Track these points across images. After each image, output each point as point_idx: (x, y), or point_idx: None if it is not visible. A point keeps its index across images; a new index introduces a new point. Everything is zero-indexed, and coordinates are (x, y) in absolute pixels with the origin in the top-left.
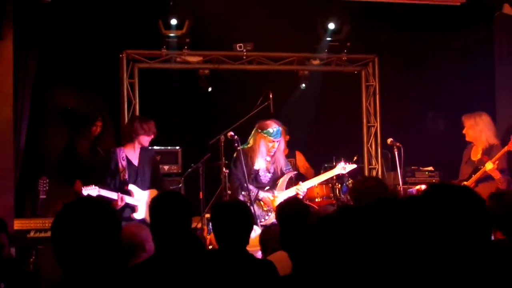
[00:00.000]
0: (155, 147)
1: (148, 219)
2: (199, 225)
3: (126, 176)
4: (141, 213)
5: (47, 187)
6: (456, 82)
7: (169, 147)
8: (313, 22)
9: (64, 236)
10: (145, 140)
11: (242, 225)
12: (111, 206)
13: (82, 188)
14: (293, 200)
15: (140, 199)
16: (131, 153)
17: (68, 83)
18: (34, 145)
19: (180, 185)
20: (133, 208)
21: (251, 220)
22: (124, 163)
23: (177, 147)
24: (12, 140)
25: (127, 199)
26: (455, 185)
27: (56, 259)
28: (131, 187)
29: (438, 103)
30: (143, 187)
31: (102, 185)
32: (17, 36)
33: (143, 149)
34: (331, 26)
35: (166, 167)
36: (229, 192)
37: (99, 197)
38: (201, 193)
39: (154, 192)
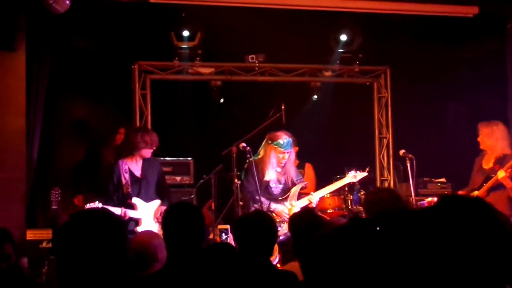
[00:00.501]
0: (167, 158)
1: (153, 230)
2: (211, 236)
3: (129, 190)
4: (145, 226)
5: (59, 198)
6: (468, 93)
7: (181, 158)
8: (325, 34)
9: (67, 247)
10: (147, 152)
11: (268, 238)
12: (117, 217)
13: (86, 205)
14: (306, 211)
15: (143, 212)
16: (133, 165)
17: (80, 95)
18: (46, 156)
19: (192, 196)
20: (137, 222)
21: (275, 232)
22: (127, 175)
23: (189, 158)
24: (24, 151)
25: (131, 213)
26: (467, 197)
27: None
28: (135, 200)
29: (450, 114)
30: (146, 199)
31: (107, 199)
32: (29, 48)
33: (146, 160)
34: (343, 37)
35: (178, 178)
36: (241, 203)
37: None
38: (213, 204)
39: (158, 203)
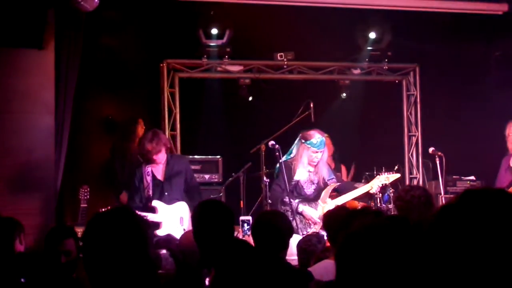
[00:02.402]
0: (195, 156)
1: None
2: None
3: (150, 192)
4: (165, 230)
5: (88, 196)
6: (497, 92)
7: (209, 156)
8: (354, 32)
9: (93, 245)
10: (159, 157)
11: (281, 233)
12: (142, 217)
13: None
14: (340, 208)
15: (164, 215)
16: (156, 168)
17: (109, 93)
18: (75, 154)
19: (221, 194)
20: (157, 225)
21: (291, 228)
22: (149, 178)
23: (218, 156)
24: (53, 149)
25: (150, 216)
26: (491, 189)
27: (85, 268)
28: (155, 203)
29: (480, 112)
30: (170, 201)
31: (129, 202)
32: (58, 46)
33: (172, 159)
34: (372, 35)
35: (207, 176)
36: (269, 201)
37: None
38: (241, 202)
39: (182, 205)
